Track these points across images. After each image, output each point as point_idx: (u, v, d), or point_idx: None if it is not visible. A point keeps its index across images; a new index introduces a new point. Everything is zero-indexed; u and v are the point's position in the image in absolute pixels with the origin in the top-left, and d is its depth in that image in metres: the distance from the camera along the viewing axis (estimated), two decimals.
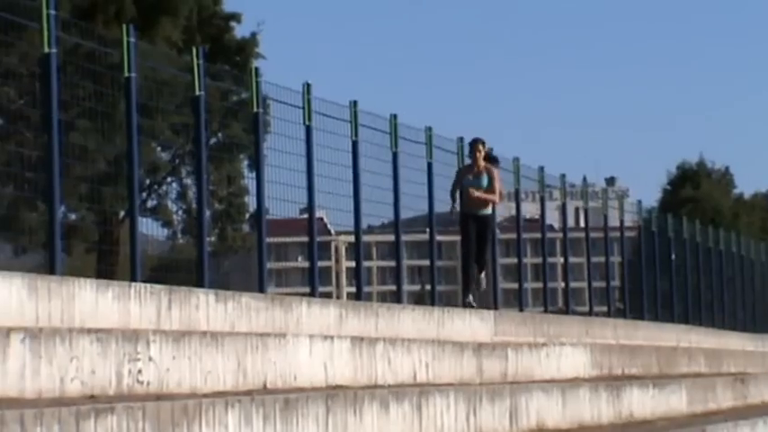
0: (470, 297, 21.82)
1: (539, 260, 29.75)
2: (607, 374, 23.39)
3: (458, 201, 21.66)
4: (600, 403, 20.02)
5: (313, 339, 16.33)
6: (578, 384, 21.13)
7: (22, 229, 20.06)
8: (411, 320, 20.25)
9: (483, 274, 21.98)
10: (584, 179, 34.96)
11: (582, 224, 32.99)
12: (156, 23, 33.93)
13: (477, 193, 21.69)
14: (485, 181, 21.47)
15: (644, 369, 26.22)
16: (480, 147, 22.30)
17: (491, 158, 23.38)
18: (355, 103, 21.18)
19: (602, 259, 32.63)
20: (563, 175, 30.08)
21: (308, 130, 19.92)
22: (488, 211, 21.99)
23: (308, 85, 19.85)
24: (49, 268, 16.12)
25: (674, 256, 34.71)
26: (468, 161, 24.47)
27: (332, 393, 14.22)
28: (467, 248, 21.73)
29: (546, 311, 28.89)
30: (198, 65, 18.50)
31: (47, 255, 16.79)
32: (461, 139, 26.61)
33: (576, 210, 34.07)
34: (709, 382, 26.62)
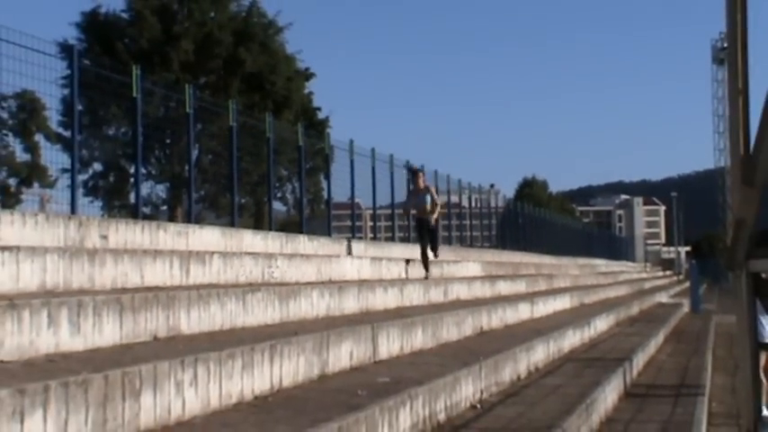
0: (427, 272, 22.86)
1: (457, 222, 41.15)
2: (489, 275, 29.34)
3: (413, 211, 23.69)
4: (485, 289, 24.72)
5: (353, 258, 20.97)
6: (476, 280, 26.41)
7: (220, 206, 25.84)
8: (400, 249, 25.75)
9: (435, 253, 23.43)
10: (479, 185, 46.54)
11: (476, 205, 43.00)
12: (282, 111, 39.99)
13: (433, 216, 23.21)
14: (428, 198, 23.04)
15: (506, 272, 32.90)
16: (420, 174, 24.09)
17: (414, 171, 25.60)
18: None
19: (487, 222, 46.18)
20: (469, 182, 42.82)
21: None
22: (434, 216, 23.26)
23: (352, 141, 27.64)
24: (231, 224, 20.14)
25: (520, 221, 49.68)
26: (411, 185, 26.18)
27: (361, 283, 17.13)
28: (423, 243, 23.12)
29: (461, 246, 38.25)
30: (300, 132, 25.16)
31: (230, 219, 21.20)
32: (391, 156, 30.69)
33: (476, 199, 44.03)
34: (534, 278, 32.39)
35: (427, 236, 23.25)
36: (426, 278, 21.85)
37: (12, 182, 33.73)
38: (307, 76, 48.47)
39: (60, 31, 76.62)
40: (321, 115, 47.67)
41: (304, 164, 24.77)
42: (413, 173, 24.34)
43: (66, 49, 18.02)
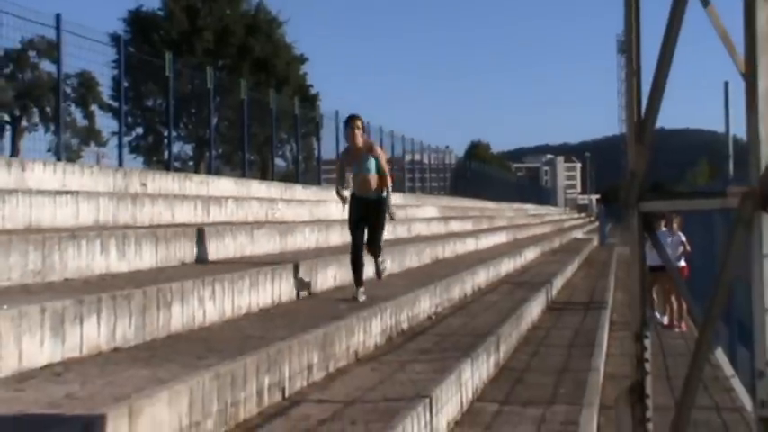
0: (358, 288, 10.14)
1: (419, 175, 39.81)
2: (443, 216, 28.07)
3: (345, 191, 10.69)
4: (440, 227, 23.92)
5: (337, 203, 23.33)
6: (433, 220, 25.94)
7: (234, 162, 25.34)
8: None
9: (377, 256, 10.76)
10: (437, 146, 45.65)
11: (434, 162, 41.80)
12: (283, 88, 40.12)
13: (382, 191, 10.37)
14: (371, 164, 10.44)
15: (457, 215, 32.02)
16: (357, 123, 10.63)
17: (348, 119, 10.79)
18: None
19: (443, 175, 44.27)
20: (429, 144, 42.00)
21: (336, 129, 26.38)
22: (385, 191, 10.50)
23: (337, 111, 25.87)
24: (242, 176, 20.12)
25: (468, 175, 48.46)
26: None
27: (343, 221, 20.30)
28: (357, 239, 10.42)
29: (422, 194, 37.08)
30: (296, 104, 24.95)
31: (241, 171, 21.05)
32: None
33: (434, 157, 43.28)
34: (478, 219, 31.36)
35: (365, 226, 10.46)
36: (354, 298, 9.83)
37: (74, 142, 33.95)
38: (302, 60, 48.91)
39: (111, 25, 76.61)
40: (313, 91, 47.94)
41: (299, 129, 24.65)
42: (346, 122, 10.85)
43: (115, 39, 18.02)
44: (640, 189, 3.45)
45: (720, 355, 3.66)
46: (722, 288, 3.08)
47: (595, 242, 45.28)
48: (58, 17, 14.07)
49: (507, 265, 19.93)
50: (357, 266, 10.12)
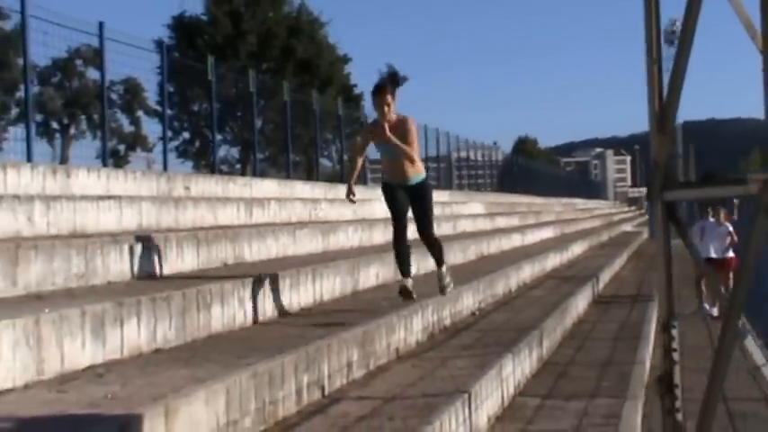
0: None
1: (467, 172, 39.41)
2: (490, 213, 27.79)
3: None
4: (486, 223, 24.19)
5: (381, 201, 23.53)
6: (479, 216, 26.00)
7: (279, 163, 25.15)
8: None
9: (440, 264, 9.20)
10: (483, 143, 44.74)
11: (482, 158, 41.18)
12: (327, 88, 40.23)
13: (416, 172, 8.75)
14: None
15: (503, 210, 32.51)
16: (387, 91, 8.46)
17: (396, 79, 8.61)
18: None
19: (491, 172, 43.88)
20: (475, 141, 41.23)
21: None
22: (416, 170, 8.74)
23: None
24: (287, 177, 20.30)
25: (515, 170, 48.46)
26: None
27: (387, 220, 20.06)
28: (400, 240, 8.87)
29: (468, 190, 37.01)
30: (339, 105, 25.40)
31: (286, 173, 21.39)
32: None
33: (482, 153, 42.81)
34: (525, 215, 31.16)
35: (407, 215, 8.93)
36: (405, 292, 8.66)
37: (121, 147, 34.36)
38: (345, 60, 49.01)
39: (156, 31, 77.44)
40: (357, 91, 47.95)
41: (343, 129, 24.68)
42: (373, 92, 8.49)
43: (158, 45, 18.30)
44: (664, 178, 3.44)
45: (751, 344, 3.64)
46: (745, 275, 3.06)
47: (645, 235, 44.87)
48: (101, 25, 14.24)
49: (553, 260, 19.85)
50: (402, 255, 8.82)
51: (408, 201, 8.81)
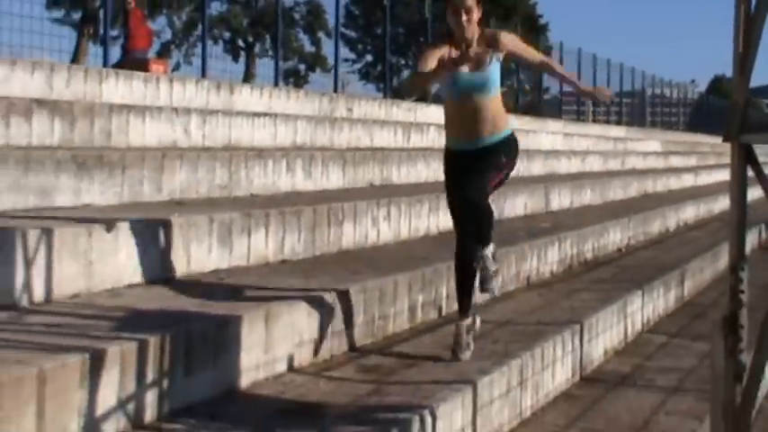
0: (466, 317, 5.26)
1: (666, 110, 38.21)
2: (666, 151, 26.89)
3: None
4: (659, 161, 23.02)
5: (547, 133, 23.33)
6: (652, 154, 25.87)
7: None
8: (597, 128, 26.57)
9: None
10: (678, 82, 42.47)
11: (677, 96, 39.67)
12: (511, 17, 40.13)
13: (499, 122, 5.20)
14: (492, 79, 5.10)
15: (683, 149, 31.31)
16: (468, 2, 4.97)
17: None
18: None
19: (685, 110, 42.86)
20: (671, 79, 41.33)
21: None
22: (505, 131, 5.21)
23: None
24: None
25: (706, 109, 45.72)
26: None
27: (548, 153, 18.38)
28: (464, 221, 5.23)
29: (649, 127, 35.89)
30: (518, 33, 25.53)
31: None
32: None
33: (677, 91, 41.22)
34: (705, 155, 28.64)
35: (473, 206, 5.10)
36: (458, 348, 5.14)
37: (301, 67, 35.25)
38: None
39: None
40: (543, 21, 47.27)
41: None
42: None
43: None
44: (742, 120, 3.43)
45: None
46: None
47: None
48: None
49: (723, 203, 19.19)
50: (467, 273, 5.31)
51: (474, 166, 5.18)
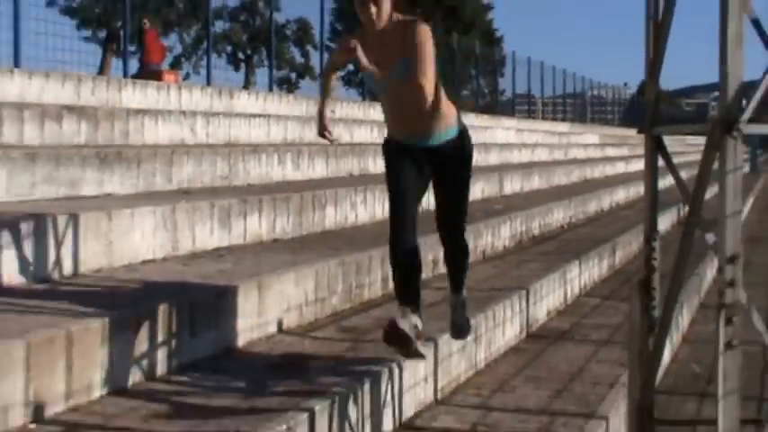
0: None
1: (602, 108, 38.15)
2: (602, 143, 27.00)
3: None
4: (596, 152, 23.18)
5: (502, 129, 23.19)
6: (591, 146, 25.78)
7: None
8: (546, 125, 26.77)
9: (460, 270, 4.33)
10: (613, 84, 43.22)
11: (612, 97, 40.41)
12: (470, 32, 40.39)
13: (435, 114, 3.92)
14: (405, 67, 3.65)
15: (616, 141, 31.71)
16: None
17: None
18: None
19: (618, 109, 42.26)
20: (606, 82, 40.82)
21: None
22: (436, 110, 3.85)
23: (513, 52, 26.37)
24: None
25: (636, 107, 44.33)
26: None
27: (503, 146, 19.28)
28: (400, 215, 4.06)
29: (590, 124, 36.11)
30: (477, 48, 25.53)
31: None
32: None
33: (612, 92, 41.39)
34: (636, 146, 30.46)
35: (422, 195, 4.20)
36: (393, 331, 3.81)
37: (292, 76, 35.23)
38: (487, 9, 48.10)
39: None
40: (498, 34, 47.22)
41: (479, 68, 24.55)
42: None
43: None
44: (653, 115, 3.48)
45: None
46: (697, 203, 3.11)
47: (746, 169, 43.02)
48: None
49: None
50: (407, 269, 4.12)
51: (424, 174, 4.22)
